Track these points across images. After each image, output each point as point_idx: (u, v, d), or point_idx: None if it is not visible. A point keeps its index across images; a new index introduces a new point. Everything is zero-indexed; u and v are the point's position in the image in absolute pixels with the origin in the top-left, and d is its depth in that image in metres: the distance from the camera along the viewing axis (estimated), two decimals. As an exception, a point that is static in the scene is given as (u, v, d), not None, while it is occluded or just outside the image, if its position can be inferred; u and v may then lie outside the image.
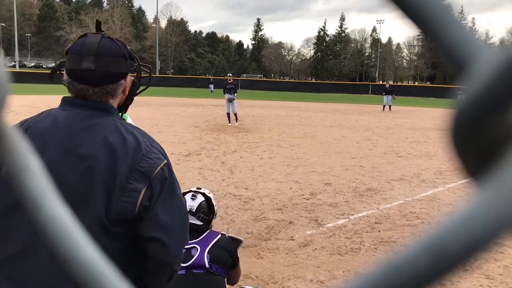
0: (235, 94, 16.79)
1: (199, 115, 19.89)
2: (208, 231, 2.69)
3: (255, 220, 5.47)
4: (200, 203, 2.74)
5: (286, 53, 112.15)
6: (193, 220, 2.64)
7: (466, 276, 4.15)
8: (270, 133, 14.33)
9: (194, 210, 2.70)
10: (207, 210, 2.75)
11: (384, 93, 27.27)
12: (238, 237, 2.84)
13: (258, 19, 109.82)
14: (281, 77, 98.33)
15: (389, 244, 4.92)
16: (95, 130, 1.31)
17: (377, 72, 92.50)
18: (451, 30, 0.21)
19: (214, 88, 37.62)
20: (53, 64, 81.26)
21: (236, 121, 16.33)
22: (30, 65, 77.15)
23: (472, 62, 0.21)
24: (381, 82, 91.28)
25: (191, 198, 2.76)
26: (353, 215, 5.96)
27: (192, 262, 2.47)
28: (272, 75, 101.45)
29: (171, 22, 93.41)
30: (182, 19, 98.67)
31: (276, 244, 4.80)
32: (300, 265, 4.31)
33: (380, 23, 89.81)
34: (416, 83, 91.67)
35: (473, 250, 0.21)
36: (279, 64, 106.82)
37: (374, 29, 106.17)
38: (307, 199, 6.65)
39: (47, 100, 17.72)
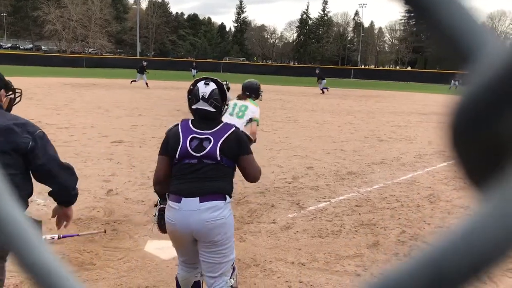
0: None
1: (181, 98, 19.67)
2: (222, 123, 2.76)
3: (238, 203, 5.49)
4: (213, 90, 2.78)
5: (268, 36, 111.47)
6: (205, 107, 2.75)
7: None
8: (252, 117, 14.31)
9: (206, 97, 2.75)
10: (219, 97, 2.79)
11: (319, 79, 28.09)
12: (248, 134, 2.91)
13: (241, 1, 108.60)
14: (264, 61, 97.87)
15: (369, 226, 5.00)
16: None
17: (359, 56, 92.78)
18: (454, 14, 0.19)
19: (196, 72, 37.45)
20: (31, 46, 79.33)
21: None
22: (6, 46, 75.08)
23: (478, 52, 0.19)
24: (363, 66, 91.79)
25: (204, 84, 2.80)
26: (334, 198, 6.03)
27: (205, 153, 2.62)
28: (255, 58, 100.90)
29: (152, 3, 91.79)
30: (163, 0, 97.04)
31: (258, 227, 4.84)
32: (281, 247, 4.35)
33: (362, 7, 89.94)
34: (398, 67, 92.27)
35: (477, 269, 0.19)
36: (261, 47, 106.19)
37: (356, 13, 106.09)
38: (289, 183, 6.69)
39: (24, 82, 17.32)
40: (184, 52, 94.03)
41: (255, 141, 5.37)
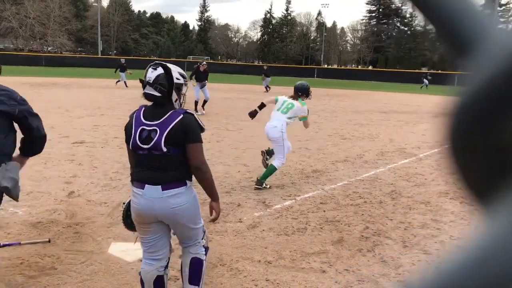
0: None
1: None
2: (171, 111, 2.79)
3: (203, 203, 5.42)
4: (158, 75, 2.81)
5: (233, 35, 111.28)
6: (150, 91, 2.81)
7: (406, 252, 4.37)
8: (217, 117, 14.26)
9: (151, 82, 2.81)
10: (165, 82, 2.81)
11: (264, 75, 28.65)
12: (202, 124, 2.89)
13: (204, 0, 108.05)
14: (228, 59, 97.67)
15: (333, 223, 5.07)
16: None
17: (322, 55, 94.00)
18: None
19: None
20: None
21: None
22: (-42, 44, 71.82)
23: (477, 44, 0.16)
24: (326, 66, 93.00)
25: (151, 69, 2.86)
26: (299, 196, 6.09)
27: (152, 145, 2.72)
28: (219, 57, 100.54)
29: (114, 1, 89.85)
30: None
31: (225, 226, 4.83)
32: (248, 246, 4.36)
33: (325, 7, 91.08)
34: (360, 66, 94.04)
35: None
36: (226, 46, 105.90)
37: (319, 13, 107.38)
38: (255, 182, 6.70)
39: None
40: (147, 51, 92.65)
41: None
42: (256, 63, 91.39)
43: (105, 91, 22.05)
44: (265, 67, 31.32)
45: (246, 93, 25.46)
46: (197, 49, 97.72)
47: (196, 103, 15.23)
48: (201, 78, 15.30)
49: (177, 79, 2.87)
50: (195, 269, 3.05)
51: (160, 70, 2.83)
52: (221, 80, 38.59)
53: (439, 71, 53.22)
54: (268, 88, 28.06)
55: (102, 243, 4.31)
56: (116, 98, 18.82)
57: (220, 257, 4.10)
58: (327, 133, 11.87)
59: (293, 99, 6.61)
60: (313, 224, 5.03)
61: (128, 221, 3.03)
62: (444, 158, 0.20)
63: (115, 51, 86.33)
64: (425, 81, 38.91)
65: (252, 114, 7.02)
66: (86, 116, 12.98)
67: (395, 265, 4.06)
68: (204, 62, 16.11)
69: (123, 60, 26.20)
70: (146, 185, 2.73)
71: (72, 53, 68.31)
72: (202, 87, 15.27)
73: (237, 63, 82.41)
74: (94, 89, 22.33)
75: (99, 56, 63.02)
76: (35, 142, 3.26)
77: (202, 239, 3.07)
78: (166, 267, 3.03)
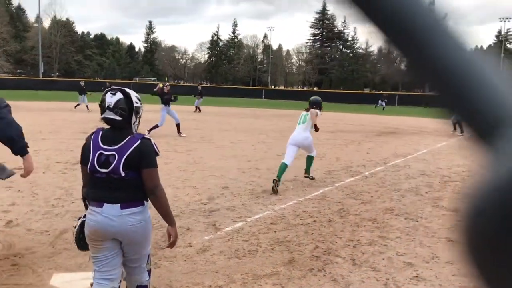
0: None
1: (88, 121, 18.82)
2: (129, 136, 2.89)
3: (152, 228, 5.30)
4: (118, 100, 2.89)
5: (180, 57, 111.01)
6: (111, 116, 2.89)
7: (355, 270, 4.44)
8: (165, 138, 14.04)
9: (111, 106, 2.88)
10: (125, 106, 2.89)
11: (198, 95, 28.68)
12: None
13: (150, 22, 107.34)
14: (176, 81, 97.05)
15: (284, 243, 5.08)
16: None
17: (269, 77, 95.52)
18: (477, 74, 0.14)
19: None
20: None
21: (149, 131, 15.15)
22: None
23: (506, 127, 0.13)
24: (273, 87, 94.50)
25: (110, 94, 2.92)
26: (250, 217, 6.06)
27: (111, 169, 2.82)
28: (166, 78, 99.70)
29: (56, 22, 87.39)
30: (67, 19, 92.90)
31: (174, 252, 4.70)
32: (198, 271, 4.26)
33: (270, 30, 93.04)
34: (305, 88, 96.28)
35: None
36: (173, 68, 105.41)
37: (265, 36, 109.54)
38: (205, 204, 6.62)
39: None
40: (91, 72, 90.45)
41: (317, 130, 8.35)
42: (204, 84, 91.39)
43: (47, 114, 21.22)
44: (199, 87, 31.00)
45: (195, 114, 25.36)
46: (144, 71, 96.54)
47: (178, 126, 14.95)
48: (167, 100, 15.09)
49: (136, 102, 2.96)
50: None
51: (119, 95, 2.90)
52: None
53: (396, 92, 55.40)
54: (198, 109, 27.74)
55: (43, 275, 4.07)
56: (58, 121, 18.14)
57: (169, 283, 3.98)
58: (276, 153, 11.96)
59: (307, 111, 8.39)
60: (264, 245, 5.01)
61: (81, 242, 3.05)
62: (461, 255, 0.17)
63: (57, 73, 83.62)
64: (382, 102, 40.63)
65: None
66: (27, 140, 12.37)
67: (345, 283, 4.10)
68: (167, 84, 16.07)
69: (82, 83, 25.37)
70: (105, 204, 2.82)
71: (11, 75, 65.34)
72: (168, 111, 15.00)
73: (185, 84, 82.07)
74: (35, 112, 21.43)
75: (40, 78, 60.76)
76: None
77: (146, 264, 3.13)
78: None
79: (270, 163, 10.34)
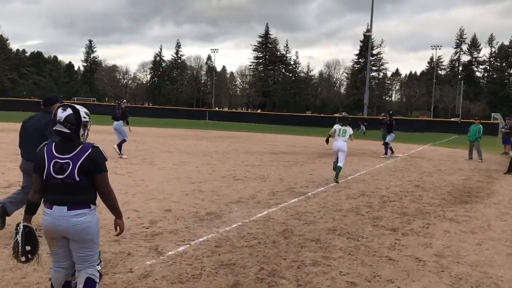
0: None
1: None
2: (81, 146, 3.26)
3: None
4: (68, 115, 3.26)
5: (121, 77, 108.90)
6: (61, 128, 3.25)
7: (300, 290, 4.43)
8: (105, 160, 13.58)
9: (62, 120, 3.24)
10: (74, 120, 3.28)
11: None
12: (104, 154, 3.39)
13: (90, 41, 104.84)
14: (116, 101, 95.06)
15: (229, 266, 5.00)
16: None
17: (213, 99, 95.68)
18: None
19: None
20: None
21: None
22: None
23: None
24: (217, 109, 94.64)
25: (61, 110, 3.28)
26: (193, 240, 5.94)
27: (66, 175, 3.17)
28: (107, 98, 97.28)
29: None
30: (1, 35, 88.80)
31: (114, 278, 4.50)
32: (140, 298, 4.09)
33: (214, 52, 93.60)
34: (249, 109, 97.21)
35: None
36: (113, 88, 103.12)
37: (209, 57, 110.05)
38: (147, 228, 6.42)
39: None
40: (26, 91, 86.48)
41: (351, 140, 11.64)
42: (146, 105, 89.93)
43: (-25, 134, 19.89)
44: (122, 105, 30.73)
45: (136, 135, 24.77)
46: (83, 90, 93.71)
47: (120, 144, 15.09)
48: (126, 117, 15.64)
49: (84, 117, 3.35)
50: None
51: (69, 111, 3.28)
52: (107, 122, 37.15)
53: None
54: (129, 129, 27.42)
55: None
56: (-12, 142, 17.06)
57: (109, 312, 3.78)
58: (220, 175, 11.91)
59: (343, 125, 11.54)
60: (208, 269, 4.91)
61: (25, 249, 3.31)
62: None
63: (-12, 91, 79.18)
64: (363, 127, 41.76)
65: (327, 141, 12.05)
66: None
67: (290, 305, 4.08)
68: (125, 100, 16.84)
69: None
70: (54, 206, 3.22)
71: None
72: (119, 127, 15.44)
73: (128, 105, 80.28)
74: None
75: (-31, 96, 57.21)
76: None
77: (98, 265, 3.42)
78: (73, 274, 3.41)
79: (214, 185, 10.25)
